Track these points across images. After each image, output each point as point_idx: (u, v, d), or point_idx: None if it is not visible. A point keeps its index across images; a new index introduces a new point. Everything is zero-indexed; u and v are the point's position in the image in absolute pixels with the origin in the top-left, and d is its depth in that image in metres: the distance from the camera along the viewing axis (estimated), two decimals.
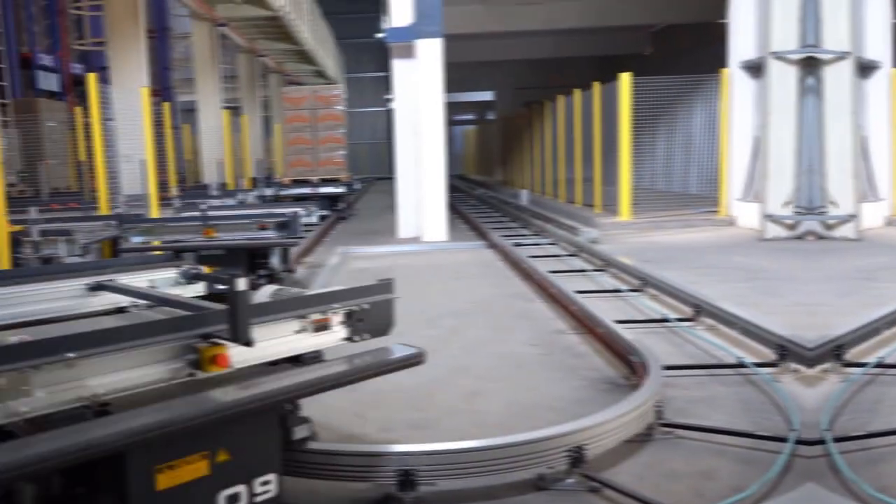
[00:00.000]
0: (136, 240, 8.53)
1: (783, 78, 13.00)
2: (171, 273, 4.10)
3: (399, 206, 15.67)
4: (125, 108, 12.80)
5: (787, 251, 11.77)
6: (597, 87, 16.95)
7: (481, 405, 5.33)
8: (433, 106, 14.53)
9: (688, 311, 7.43)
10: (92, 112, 10.39)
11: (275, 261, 8.89)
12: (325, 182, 20.40)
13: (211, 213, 8.77)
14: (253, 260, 8.87)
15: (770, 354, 5.82)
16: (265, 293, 3.58)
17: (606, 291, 9.00)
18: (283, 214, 8.68)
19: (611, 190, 16.15)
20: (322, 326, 3.32)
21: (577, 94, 18.54)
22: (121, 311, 3.73)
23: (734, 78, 15.15)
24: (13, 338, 2.80)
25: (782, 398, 5.01)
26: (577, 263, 11.21)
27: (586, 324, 6.92)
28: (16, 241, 7.97)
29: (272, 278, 8.60)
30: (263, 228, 8.62)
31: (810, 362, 5.50)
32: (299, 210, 8.99)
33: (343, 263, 12.26)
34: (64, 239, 7.91)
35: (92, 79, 10.46)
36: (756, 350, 6.14)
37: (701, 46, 25.06)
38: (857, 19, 13.12)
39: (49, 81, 28.93)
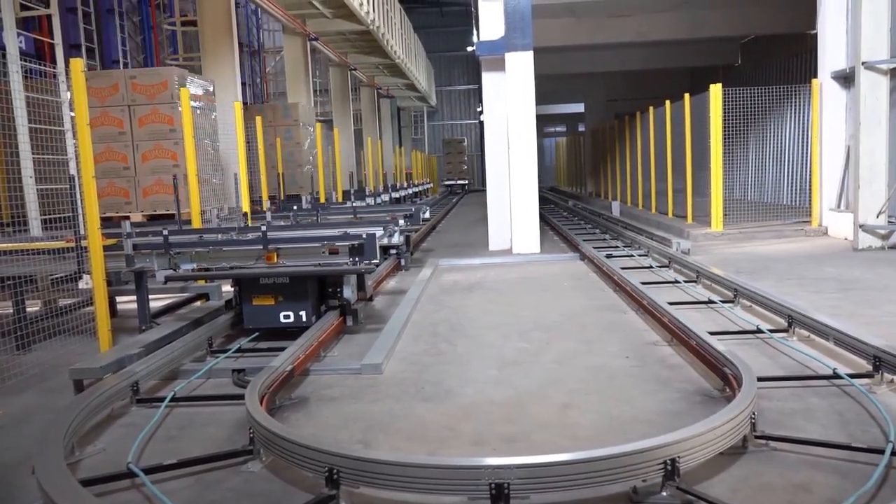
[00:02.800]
0: (187, 266, 8.01)
1: (874, 87, 12.91)
2: None
3: (490, 218, 15.73)
4: (219, 123, 13.18)
5: (880, 261, 11.65)
6: (687, 98, 16.98)
7: (574, 418, 5.30)
8: (524, 118, 14.58)
9: (781, 322, 7.44)
10: (185, 127, 10.66)
11: (348, 290, 8.25)
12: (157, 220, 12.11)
13: (272, 234, 7.93)
14: (323, 289, 8.29)
15: (865, 365, 5.80)
16: None
17: (699, 303, 9.00)
18: (357, 236, 7.76)
19: (702, 201, 16.15)
20: None
21: (668, 106, 18.55)
22: None
23: (825, 88, 15.08)
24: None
25: (878, 409, 4.99)
26: (670, 275, 11.24)
27: (679, 335, 6.90)
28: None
29: (346, 309, 8.26)
30: (334, 252, 7.84)
31: None
32: (376, 231, 8.16)
33: (434, 276, 12.37)
34: (156, 252, 7.99)
35: (185, 94, 10.73)
36: (851, 361, 6.14)
37: (791, 57, 24.83)
38: None
39: None
